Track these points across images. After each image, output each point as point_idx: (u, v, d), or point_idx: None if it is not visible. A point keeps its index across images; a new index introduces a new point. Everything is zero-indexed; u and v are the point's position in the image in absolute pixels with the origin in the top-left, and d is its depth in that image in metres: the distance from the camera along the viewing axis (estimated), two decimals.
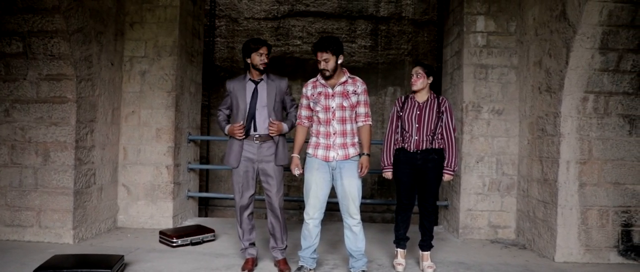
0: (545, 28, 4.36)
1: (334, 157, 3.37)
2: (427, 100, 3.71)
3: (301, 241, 3.52)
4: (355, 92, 3.40)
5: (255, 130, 3.58)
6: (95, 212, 4.71)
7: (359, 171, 3.40)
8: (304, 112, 3.55)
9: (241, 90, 3.62)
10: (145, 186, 5.17)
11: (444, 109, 3.68)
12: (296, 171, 3.49)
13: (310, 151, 3.45)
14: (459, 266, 3.93)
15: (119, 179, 5.18)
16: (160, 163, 5.16)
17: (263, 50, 3.59)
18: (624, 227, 4.14)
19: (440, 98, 3.74)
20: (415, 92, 3.75)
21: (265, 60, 3.59)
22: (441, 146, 3.69)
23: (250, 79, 3.65)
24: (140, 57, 5.16)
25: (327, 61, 3.31)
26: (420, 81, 3.68)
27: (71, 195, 4.31)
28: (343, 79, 3.42)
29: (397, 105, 3.79)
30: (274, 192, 3.61)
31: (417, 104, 3.70)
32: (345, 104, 3.37)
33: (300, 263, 3.55)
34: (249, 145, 3.59)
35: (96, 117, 4.65)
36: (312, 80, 3.53)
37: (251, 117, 3.58)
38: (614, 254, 4.14)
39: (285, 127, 3.62)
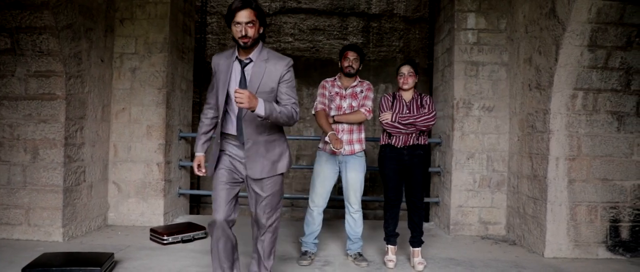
0: (535, 25, 4.39)
1: (341, 152, 3.64)
2: (413, 98, 3.77)
3: (304, 227, 3.88)
4: (361, 92, 3.81)
5: (240, 132, 2.63)
6: (85, 210, 4.68)
7: (361, 165, 3.79)
8: (326, 101, 3.78)
9: (225, 72, 2.61)
10: (136, 184, 5.14)
11: (425, 102, 3.74)
12: (339, 147, 3.43)
13: (320, 145, 3.84)
14: (449, 262, 3.95)
15: (110, 177, 5.15)
16: (151, 160, 5.13)
17: (243, 17, 2.47)
18: (612, 222, 4.18)
19: (422, 95, 3.81)
20: (403, 90, 3.77)
21: (248, 34, 2.48)
22: (426, 142, 3.78)
23: (237, 58, 2.60)
24: (131, 53, 5.12)
25: (356, 61, 3.77)
26: (411, 80, 3.72)
27: (60, 193, 4.28)
28: (354, 83, 3.83)
29: (387, 100, 3.80)
30: (268, 211, 2.69)
31: (404, 101, 3.75)
32: (353, 104, 3.78)
33: (304, 248, 3.89)
34: (236, 149, 2.68)
35: (86, 115, 4.61)
36: (330, 78, 3.91)
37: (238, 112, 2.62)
38: (602, 250, 4.18)
39: (260, 104, 2.39)
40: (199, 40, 7.13)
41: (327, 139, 3.62)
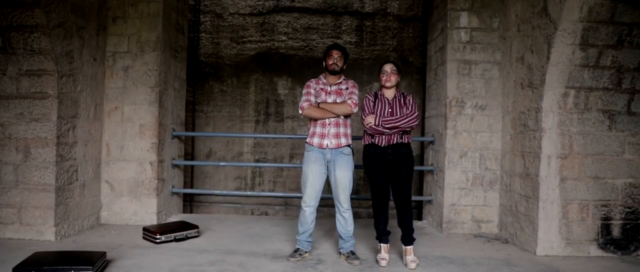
0: (527, 24, 4.41)
1: (327, 145, 3.79)
2: (395, 96, 3.81)
3: (298, 226, 3.93)
4: (346, 89, 3.90)
5: None
6: (78, 209, 4.66)
7: (349, 163, 3.83)
8: (312, 98, 3.84)
9: None
10: (129, 183, 5.12)
11: (408, 101, 3.78)
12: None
13: (308, 139, 3.88)
14: (442, 260, 3.97)
15: (102, 176, 5.13)
16: (144, 159, 5.11)
17: None
18: (603, 220, 4.21)
19: (405, 93, 3.85)
20: (386, 88, 3.82)
21: None
22: (409, 141, 3.81)
23: None
24: (123, 52, 5.10)
25: (340, 59, 3.88)
26: (393, 78, 3.79)
27: (53, 192, 4.26)
28: (339, 81, 3.95)
29: (369, 101, 3.83)
30: None
31: (387, 100, 3.79)
32: (338, 100, 3.86)
33: (297, 246, 3.93)
34: None
35: (78, 113, 4.59)
36: (314, 79, 4.00)
37: None
38: (593, 247, 4.21)
39: None
40: (192, 39, 7.10)
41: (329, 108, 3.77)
